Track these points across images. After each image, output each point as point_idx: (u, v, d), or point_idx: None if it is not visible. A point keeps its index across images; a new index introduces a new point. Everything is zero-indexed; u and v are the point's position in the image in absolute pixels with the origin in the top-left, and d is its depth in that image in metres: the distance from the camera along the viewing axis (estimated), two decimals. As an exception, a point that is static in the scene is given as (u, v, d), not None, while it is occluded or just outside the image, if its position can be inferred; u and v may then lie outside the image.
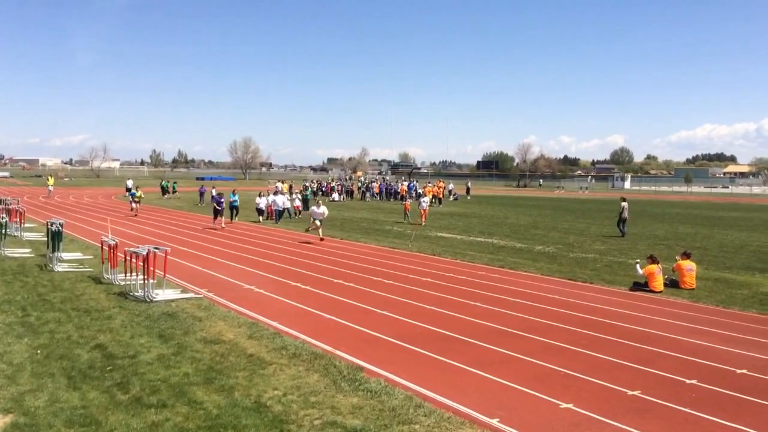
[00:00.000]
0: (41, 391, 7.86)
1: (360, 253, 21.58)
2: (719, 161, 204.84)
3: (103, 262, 15.65)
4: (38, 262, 17.70)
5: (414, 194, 58.61)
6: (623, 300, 14.61)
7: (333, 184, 64.40)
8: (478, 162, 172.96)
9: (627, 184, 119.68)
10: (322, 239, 24.64)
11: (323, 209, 25.68)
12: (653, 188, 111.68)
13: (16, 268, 16.83)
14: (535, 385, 8.46)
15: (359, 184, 68.51)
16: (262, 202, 34.37)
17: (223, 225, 28.98)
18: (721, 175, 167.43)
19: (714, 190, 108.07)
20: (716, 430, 7.13)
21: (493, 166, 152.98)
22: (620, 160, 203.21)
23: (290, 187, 53.27)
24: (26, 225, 25.50)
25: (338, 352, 9.74)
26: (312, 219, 25.46)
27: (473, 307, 13.31)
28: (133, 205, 36.77)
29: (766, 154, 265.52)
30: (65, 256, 18.24)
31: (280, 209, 34.39)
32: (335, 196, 57.48)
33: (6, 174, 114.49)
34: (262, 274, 16.84)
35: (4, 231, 19.94)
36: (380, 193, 60.97)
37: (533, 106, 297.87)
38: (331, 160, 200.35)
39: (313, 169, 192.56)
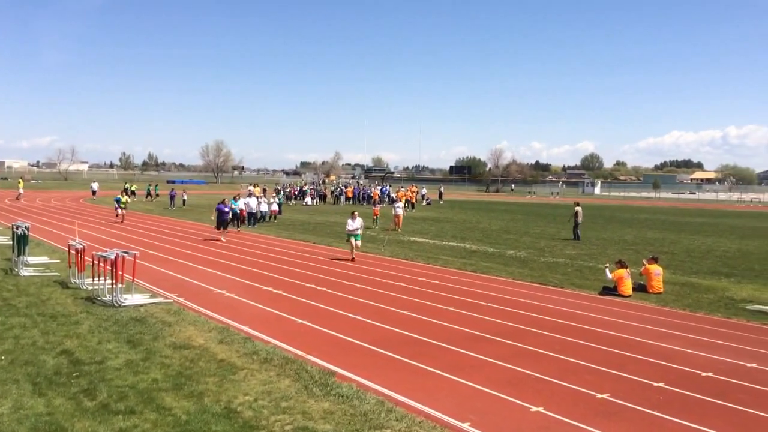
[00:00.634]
0: (5, 397, 7.68)
1: (333, 258, 21.52)
2: (686, 168, 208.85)
3: (70, 267, 15.38)
4: (3, 267, 17.32)
5: (387, 199, 58.75)
6: (593, 304, 14.79)
7: (306, 188, 64.22)
8: (451, 167, 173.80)
9: (597, 190, 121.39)
10: (353, 259, 20.89)
11: (359, 222, 21.47)
12: (622, 194, 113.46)
13: (-21, 272, 16.44)
14: (507, 389, 8.51)
15: (332, 188, 68.39)
16: (239, 206, 33.53)
17: (223, 239, 25.69)
18: (688, 182, 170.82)
19: (681, 196, 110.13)
20: (682, 433, 7.25)
21: (465, 171, 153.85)
22: (590, 165, 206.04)
23: (264, 190, 52.81)
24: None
25: (310, 357, 9.70)
26: (347, 237, 21.43)
27: (445, 312, 13.35)
28: (119, 211, 33.94)
29: (732, 161, 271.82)
30: (31, 260, 17.88)
31: (254, 212, 33.76)
32: (308, 200, 57.30)
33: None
34: (233, 279, 16.70)
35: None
36: (353, 197, 60.92)
37: (505, 112, 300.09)
38: (304, 164, 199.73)
39: (286, 173, 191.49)
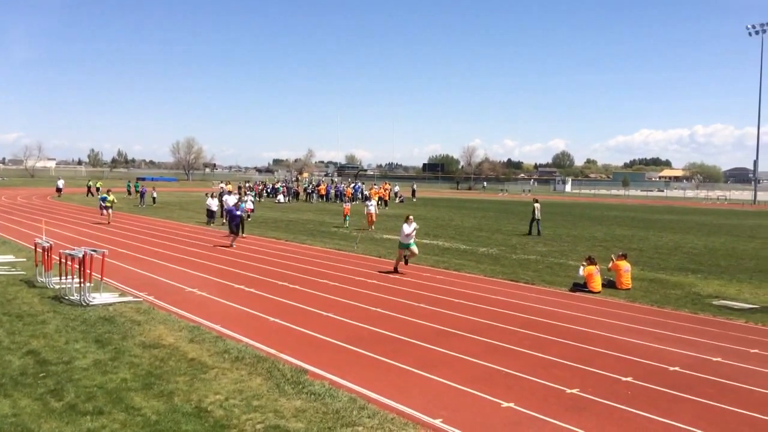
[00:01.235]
0: (-32, 399, 7.51)
1: (305, 255, 21.44)
2: (655, 165, 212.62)
3: (36, 265, 15.08)
4: (-33, 265, 16.93)
5: (360, 196, 58.65)
6: (563, 300, 14.96)
7: (278, 185, 63.82)
8: (424, 164, 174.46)
9: (568, 188, 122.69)
10: (397, 271, 18.30)
11: (414, 226, 18.76)
12: (593, 191, 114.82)
13: (-58, 271, 16.06)
14: (478, 385, 8.57)
15: (305, 186, 68.09)
16: (213, 204, 32.93)
17: (233, 245, 23.20)
18: (657, 179, 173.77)
19: (650, 193, 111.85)
20: (649, 426, 7.37)
21: (438, 169, 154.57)
22: (562, 163, 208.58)
23: (239, 188, 52.20)
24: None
25: (282, 355, 9.65)
26: (400, 247, 18.75)
27: (418, 309, 13.39)
28: (104, 211, 31.38)
29: (699, 159, 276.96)
30: (-4, 258, 17.51)
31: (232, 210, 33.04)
32: (281, 197, 56.98)
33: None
34: (204, 277, 16.54)
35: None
36: (326, 195, 60.68)
37: (478, 110, 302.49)
38: (276, 162, 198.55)
39: (259, 170, 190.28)
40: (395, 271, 18.25)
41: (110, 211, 31.41)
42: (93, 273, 13.00)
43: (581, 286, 16.23)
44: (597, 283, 16.09)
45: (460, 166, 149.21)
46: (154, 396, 7.78)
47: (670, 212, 56.08)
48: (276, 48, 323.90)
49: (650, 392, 8.55)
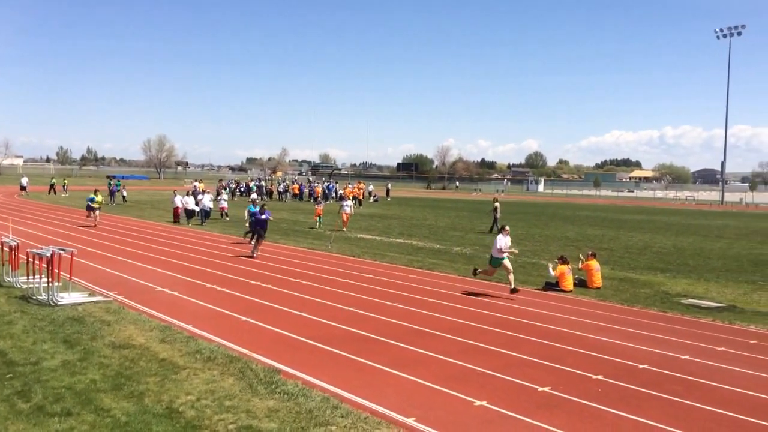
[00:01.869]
0: (-69, 402, 7.33)
1: (279, 255, 21.33)
2: (626, 166, 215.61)
3: (2, 264, 14.77)
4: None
5: (334, 195, 58.50)
6: (536, 299, 15.10)
7: (252, 184, 63.37)
8: (398, 164, 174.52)
9: (541, 188, 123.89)
10: (514, 290, 15.32)
11: (508, 239, 15.79)
12: (565, 191, 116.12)
13: None
14: (451, 384, 8.60)
15: (277, 184, 67.70)
16: (191, 202, 32.30)
17: (257, 252, 20.64)
18: (627, 180, 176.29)
19: (620, 194, 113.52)
20: (619, 423, 7.48)
21: (412, 168, 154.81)
22: (534, 164, 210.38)
23: (220, 187, 51.62)
24: None
25: (255, 355, 9.59)
26: (492, 264, 15.79)
27: (391, 308, 13.41)
28: (92, 213, 28.90)
29: (668, 160, 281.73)
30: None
31: (207, 209, 32.72)
32: (254, 196, 56.57)
33: None
34: (176, 276, 16.36)
35: None
36: (299, 193, 60.30)
37: (452, 110, 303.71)
38: (250, 160, 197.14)
39: (232, 168, 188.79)
40: (515, 290, 15.22)
41: (98, 212, 29.03)
42: (61, 272, 12.78)
43: (553, 285, 16.40)
44: (569, 282, 16.27)
45: (434, 166, 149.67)
46: (124, 397, 7.67)
47: (640, 212, 56.93)
48: (250, 46, 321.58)
49: (620, 390, 8.67)
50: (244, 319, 12.00)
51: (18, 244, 14.34)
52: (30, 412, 7.11)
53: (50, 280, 12.47)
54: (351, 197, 42.14)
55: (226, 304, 13.17)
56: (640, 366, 9.84)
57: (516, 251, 16.93)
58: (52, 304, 12.34)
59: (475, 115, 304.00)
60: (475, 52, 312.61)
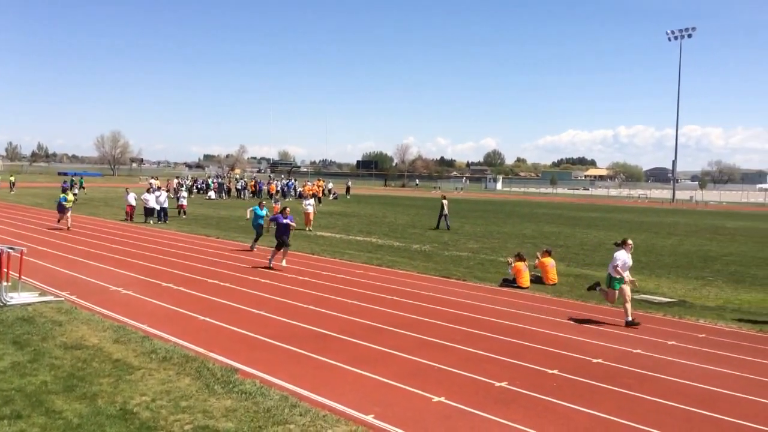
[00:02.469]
0: None
1: (237, 253, 21.10)
2: (581, 165, 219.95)
3: (-52, 264, 14.25)
4: None
5: (294, 193, 58.17)
6: (493, 296, 15.27)
7: (210, 181, 62.54)
8: (358, 161, 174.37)
9: (499, 186, 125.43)
10: (631, 323, 12.54)
11: (629, 258, 12.97)
12: (522, 189, 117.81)
13: None
14: (410, 380, 8.64)
15: (236, 182, 66.96)
16: (151, 200, 31.46)
17: (284, 263, 18.28)
18: (583, 178, 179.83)
19: (576, 191, 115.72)
20: (573, 416, 7.62)
21: (372, 166, 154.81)
22: (493, 162, 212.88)
23: (177, 185, 50.67)
24: None
25: (212, 354, 9.47)
26: (611, 286, 12.81)
27: (350, 305, 13.40)
28: (64, 215, 26.55)
29: (622, 158, 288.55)
30: None
31: (165, 207, 31.99)
32: (211, 194, 55.88)
33: None
34: (131, 275, 16.04)
35: None
36: (257, 191, 59.72)
37: (411, 108, 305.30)
38: (207, 157, 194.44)
39: (189, 165, 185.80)
40: (631, 324, 12.51)
41: (69, 213, 26.59)
42: (10, 272, 12.39)
43: (511, 282, 16.61)
44: (526, 279, 16.51)
45: (394, 164, 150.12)
46: (77, 398, 7.49)
47: (595, 210, 58.08)
48: (207, 42, 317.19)
49: (575, 384, 8.84)
50: (202, 318, 11.84)
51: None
52: (-23, 415, 6.88)
53: (-2, 279, 12.08)
54: (311, 195, 41.56)
55: (183, 304, 12.97)
56: (594, 360, 10.05)
57: (636, 283, 13.72)
58: (1, 304, 11.97)
59: (435, 113, 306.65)
60: (435, 51, 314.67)
